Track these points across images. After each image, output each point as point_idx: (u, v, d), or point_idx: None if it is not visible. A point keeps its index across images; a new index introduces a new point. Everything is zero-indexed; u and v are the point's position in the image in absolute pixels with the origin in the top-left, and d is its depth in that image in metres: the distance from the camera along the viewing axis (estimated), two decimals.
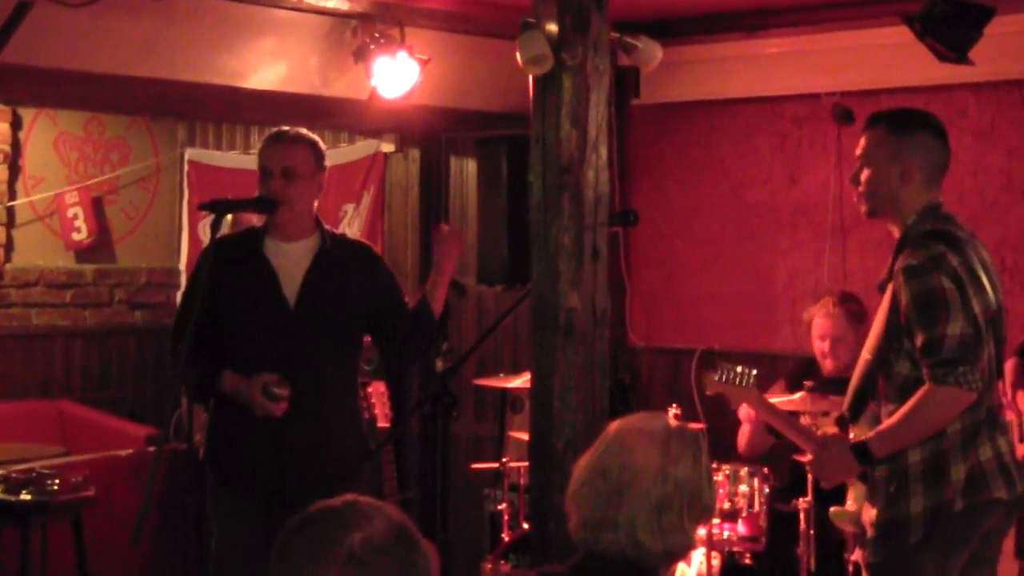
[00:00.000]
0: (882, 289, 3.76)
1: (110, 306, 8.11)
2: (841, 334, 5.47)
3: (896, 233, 3.76)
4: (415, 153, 7.42)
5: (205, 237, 7.83)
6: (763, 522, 5.23)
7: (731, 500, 5.21)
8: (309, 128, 4.47)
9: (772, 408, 4.16)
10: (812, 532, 5.02)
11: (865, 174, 3.79)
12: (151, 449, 6.26)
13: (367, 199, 7.49)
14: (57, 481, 5.26)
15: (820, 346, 5.56)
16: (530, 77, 4.11)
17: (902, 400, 3.62)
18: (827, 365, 5.52)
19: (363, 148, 7.56)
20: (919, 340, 3.56)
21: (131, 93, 6.38)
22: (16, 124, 7.72)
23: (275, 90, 5.81)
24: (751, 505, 5.22)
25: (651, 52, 4.39)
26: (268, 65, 5.70)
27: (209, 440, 4.44)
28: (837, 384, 4.69)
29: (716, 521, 5.15)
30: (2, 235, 7.66)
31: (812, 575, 5.09)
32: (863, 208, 3.83)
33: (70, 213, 7.86)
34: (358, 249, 4.57)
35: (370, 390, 5.89)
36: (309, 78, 5.81)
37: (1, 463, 5.57)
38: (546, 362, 4.10)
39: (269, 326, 4.30)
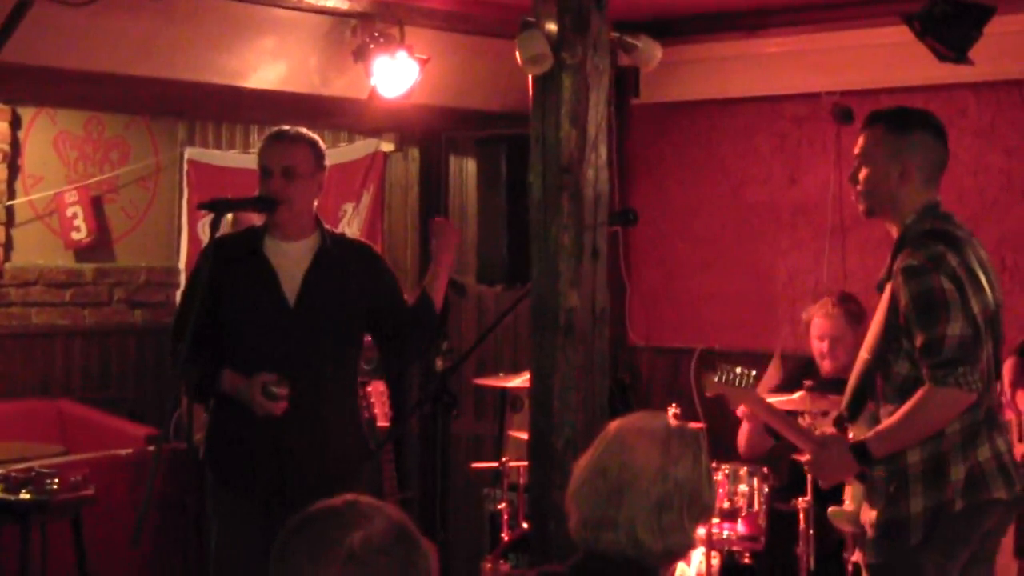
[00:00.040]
0: (880, 289, 3.75)
1: (109, 305, 8.10)
2: (840, 334, 5.47)
3: (894, 232, 3.76)
4: (415, 152, 7.42)
5: (205, 236, 7.82)
6: (762, 522, 5.23)
7: (731, 499, 5.21)
8: (309, 127, 4.48)
9: (771, 408, 4.16)
10: (811, 532, 5.02)
11: (864, 173, 3.79)
12: (151, 448, 6.25)
13: (367, 198, 7.49)
14: (57, 480, 5.26)
15: (819, 346, 5.55)
16: (530, 76, 4.11)
17: (901, 400, 3.62)
18: (825, 366, 5.52)
19: (363, 147, 7.56)
20: (919, 341, 3.56)
21: (131, 92, 6.39)
22: (15, 123, 7.71)
23: (275, 89, 5.81)
24: (751, 505, 5.22)
25: (651, 52, 4.38)
26: (268, 64, 5.70)
27: (209, 440, 4.44)
28: (836, 385, 4.69)
29: (716, 520, 5.15)
30: (1, 234, 7.66)
31: (811, 574, 5.09)
32: (861, 207, 3.83)
33: (69, 212, 7.86)
34: (358, 248, 4.57)
35: (370, 389, 5.89)
36: (309, 77, 5.81)
37: (1, 462, 5.57)
38: (546, 361, 4.10)
39: (269, 325, 4.30)
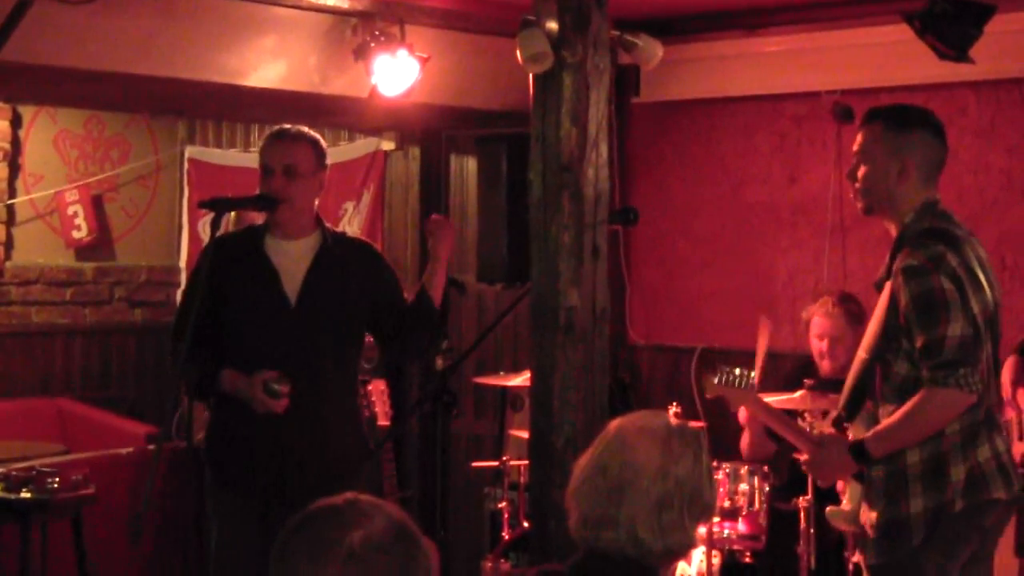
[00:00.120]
0: (879, 288, 3.74)
1: (110, 304, 8.11)
2: (840, 334, 5.47)
3: (893, 231, 3.75)
4: (415, 151, 7.42)
5: (205, 235, 7.83)
6: (763, 521, 5.23)
7: (731, 499, 5.21)
8: (309, 126, 4.47)
9: (769, 409, 4.15)
10: (812, 531, 5.02)
11: (862, 171, 3.77)
12: (151, 447, 6.25)
13: (367, 197, 7.49)
14: (57, 479, 5.26)
15: (818, 345, 5.55)
16: (530, 75, 4.11)
17: (900, 400, 3.61)
18: (825, 366, 5.51)
19: (363, 146, 7.56)
20: (919, 342, 3.55)
21: (131, 91, 6.39)
22: (16, 122, 7.72)
23: (275, 88, 5.81)
24: (751, 504, 5.22)
25: (651, 50, 4.38)
26: (268, 63, 5.70)
27: (209, 439, 4.43)
28: (836, 385, 4.69)
29: (716, 520, 5.15)
30: (2, 233, 7.66)
31: (812, 574, 5.09)
32: (860, 205, 3.82)
33: (70, 211, 7.86)
34: (359, 247, 4.57)
35: (370, 388, 5.89)
36: (309, 76, 5.81)
37: (1, 461, 5.57)
38: (546, 360, 4.09)
39: (270, 324, 4.30)
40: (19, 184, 7.72)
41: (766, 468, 5.30)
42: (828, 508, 4.04)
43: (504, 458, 5.78)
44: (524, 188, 4.17)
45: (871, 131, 3.78)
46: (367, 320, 4.46)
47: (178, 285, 8.21)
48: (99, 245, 8.01)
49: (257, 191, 4.37)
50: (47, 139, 7.84)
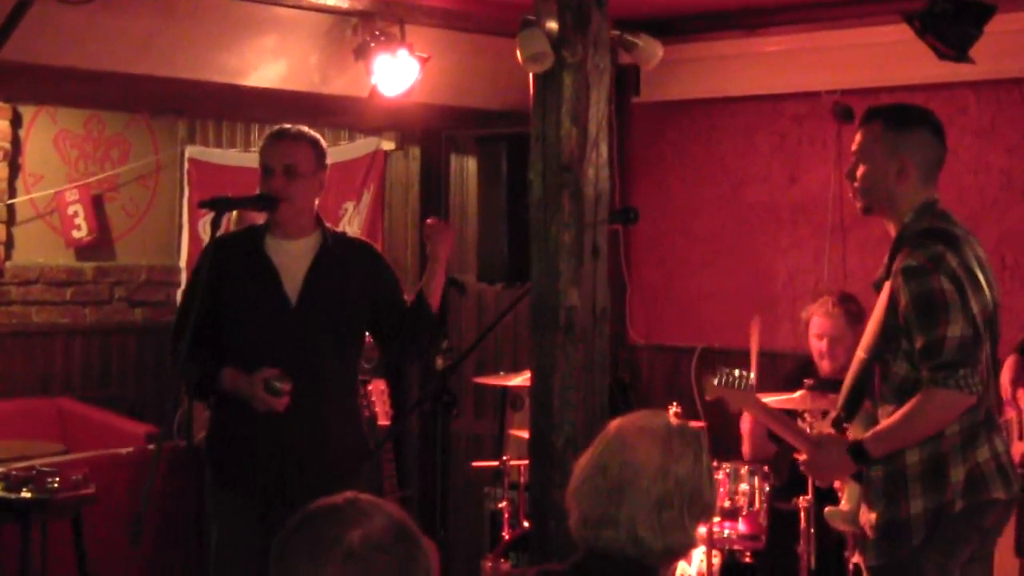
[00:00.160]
0: (878, 288, 3.74)
1: (110, 304, 8.11)
2: (839, 334, 5.46)
3: (892, 231, 3.75)
4: (415, 151, 7.42)
5: (205, 235, 7.83)
6: (763, 520, 5.23)
7: (731, 498, 5.21)
8: (309, 126, 4.47)
9: (769, 410, 4.15)
10: (812, 530, 5.02)
11: (861, 170, 3.77)
12: (151, 447, 6.25)
13: (367, 197, 7.49)
14: (57, 479, 5.26)
15: (817, 345, 5.55)
16: (530, 75, 4.10)
17: (899, 400, 3.60)
18: (824, 366, 5.51)
19: (363, 146, 7.56)
20: (918, 342, 3.54)
21: (131, 91, 6.39)
22: (16, 122, 7.72)
23: (275, 88, 5.81)
24: (751, 503, 5.22)
25: (651, 50, 4.38)
26: (268, 63, 5.70)
27: (209, 440, 4.43)
28: (835, 385, 4.68)
29: (716, 519, 5.15)
30: (2, 233, 7.66)
31: (812, 573, 5.09)
32: (859, 204, 3.81)
33: (70, 211, 7.86)
34: (359, 247, 4.57)
35: (370, 388, 5.89)
36: (309, 76, 5.81)
37: (1, 461, 5.57)
38: (546, 360, 4.09)
39: (270, 324, 4.30)
40: (19, 184, 7.72)
41: (766, 468, 5.30)
42: (826, 508, 4.04)
43: (504, 458, 5.78)
44: (524, 188, 4.17)
45: (870, 130, 3.77)
46: (367, 320, 4.46)
47: (178, 285, 8.21)
48: (99, 245, 8.01)
49: (257, 191, 4.37)
50: (47, 139, 7.84)
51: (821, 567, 5.10)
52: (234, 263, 4.31)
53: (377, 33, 5.53)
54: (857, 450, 3.65)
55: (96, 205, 7.95)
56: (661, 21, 5.99)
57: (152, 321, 8.17)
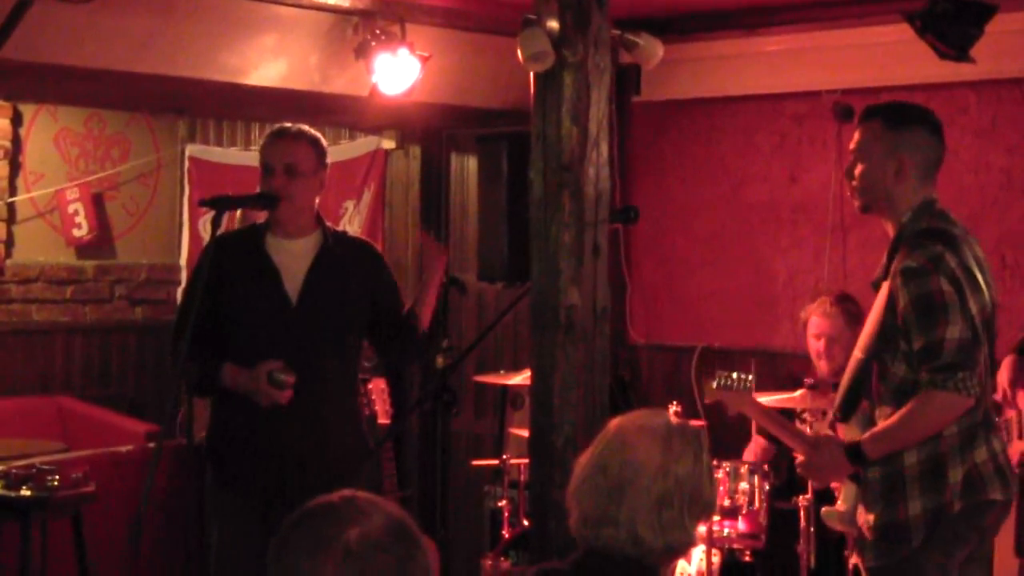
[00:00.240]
0: (876, 287, 3.73)
1: (110, 302, 8.11)
2: (837, 334, 5.45)
3: (890, 230, 3.73)
4: (416, 150, 7.42)
5: (206, 234, 7.83)
6: (763, 519, 5.23)
7: (731, 497, 5.21)
8: (310, 125, 4.47)
9: (766, 411, 4.15)
10: (812, 529, 5.03)
11: (859, 169, 3.75)
12: (151, 445, 6.25)
13: (368, 196, 7.49)
14: (57, 477, 5.25)
15: (815, 345, 5.54)
16: (531, 74, 4.11)
17: (898, 401, 3.59)
18: (822, 367, 5.50)
19: (364, 145, 7.56)
20: (917, 344, 3.53)
21: (132, 89, 6.39)
22: (17, 120, 7.72)
23: (276, 87, 5.81)
24: (751, 502, 5.22)
25: (652, 49, 4.38)
26: (269, 62, 5.70)
27: (210, 439, 4.43)
28: (835, 385, 4.68)
29: (716, 518, 5.15)
30: (3, 231, 7.67)
31: (812, 573, 5.09)
32: (857, 203, 3.80)
33: (71, 209, 7.86)
34: (360, 247, 4.57)
35: (370, 387, 5.89)
36: (310, 75, 5.81)
37: (1, 459, 5.56)
38: (546, 359, 4.09)
39: (271, 323, 4.30)
40: (20, 182, 7.72)
41: (766, 467, 5.30)
42: (823, 509, 4.04)
43: (504, 456, 5.78)
44: (525, 187, 4.17)
45: (869, 129, 3.76)
46: (368, 320, 4.46)
47: (179, 283, 8.22)
48: (100, 243, 8.01)
49: (258, 189, 4.37)
50: (48, 137, 7.85)
51: (821, 566, 5.11)
52: (235, 262, 4.31)
53: (378, 32, 5.53)
54: (854, 452, 3.64)
55: (96, 203, 7.96)
56: (661, 20, 5.99)
57: (152, 320, 8.18)
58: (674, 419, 2.80)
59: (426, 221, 7.31)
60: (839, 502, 3.96)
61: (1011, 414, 5.05)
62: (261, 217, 4.57)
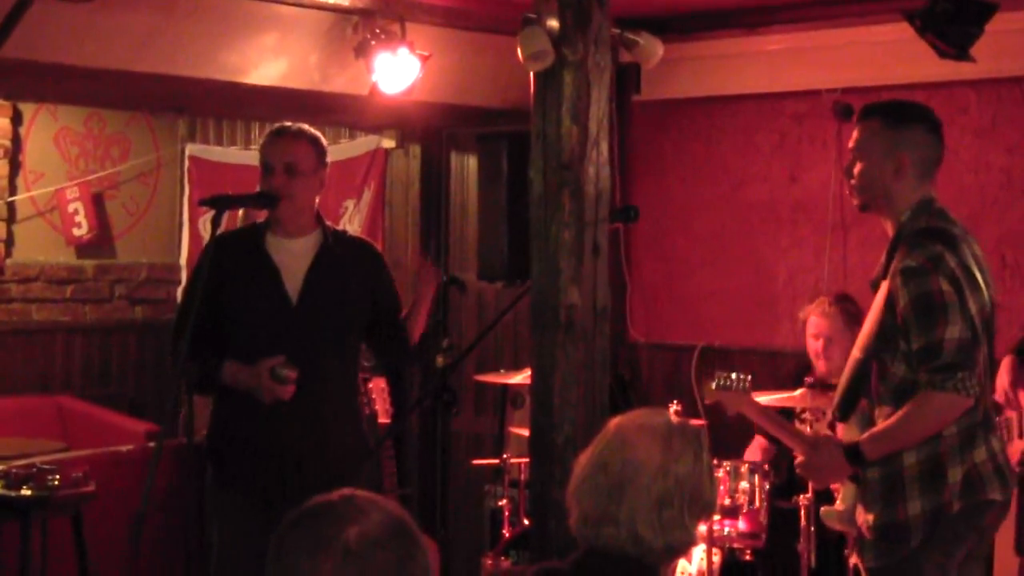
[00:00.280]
0: (875, 287, 3.72)
1: (110, 302, 8.11)
2: (835, 335, 5.44)
3: (889, 229, 3.73)
4: (416, 149, 7.42)
5: (206, 233, 7.83)
6: (764, 519, 5.22)
7: (732, 496, 5.21)
8: (310, 124, 4.48)
9: (765, 411, 4.14)
10: (812, 529, 5.02)
11: (858, 167, 3.75)
12: (151, 445, 6.25)
13: (368, 195, 7.49)
14: (57, 476, 5.25)
15: (813, 345, 5.54)
16: (531, 73, 4.10)
17: (896, 402, 3.59)
18: (820, 367, 5.49)
19: (364, 144, 7.56)
20: (917, 344, 3.52)
21: (132, 88, 6.39)
22: (17, 119, 7.72)
23: (276, 86, 5.81)
24: (752, 502, 5.21)
25: (652, 48, 4.38)
26: (269, 61, 5.70)
27: (210, 438, 4.43)
28: (832, 387, 4.68)
29: (717, 518, 5.15)
30: (2, 230, 7.67)
31: (812, 572, 5.09)
32: (856, 201, 3.80)
33: (71, 208, 7.86)
34: (360, 246, 4.57)
35: (371, 386, 5.89)
36: (310, 74, 5.81)
37: (1, 458, 5.57)
38: (546, 358, 4.09)
39: (271, 323, 4.30)
40: (20, 181, 7.73)
41: (766, 466, 5.30)
42: (822, 508, 4.04)
43: (504, 456, 5.78)
44: (525, 186, 4.17)
45: (868, 127, 3.76)
46: (368, 319, 4.46)
47: (179, 283, 8.22)
48: (100, 243, 8.01)
49: (258, 189, 4.37)
50: (48, 136, 7.85)
51: (821, 565, 5.10)
52: (235, 261, 4.31)
53: (378, 31, 5.53)
54: (853, 452, 3.64)
55: (96, 203, 7.96)
56: (662, 19, 5.99)
57: (152, 319, 8.18)
58: (674, 418, 2.80)
59: (426, 221, 7.31)
60: (838, 501, 3.96)
61: (1011, 413, 5.05)
62: (262, 216, 4.58)
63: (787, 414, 4.95)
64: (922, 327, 3.51)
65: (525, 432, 5.12)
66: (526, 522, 5.35)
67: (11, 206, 7.68)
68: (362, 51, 5.54)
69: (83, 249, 7.97)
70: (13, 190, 7.69)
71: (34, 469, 5.30)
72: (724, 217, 6.52)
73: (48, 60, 5.17)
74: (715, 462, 4.63)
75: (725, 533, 5.22)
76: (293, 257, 4.35)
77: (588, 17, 4.02)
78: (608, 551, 2.68)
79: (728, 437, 5.67)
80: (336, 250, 4.39)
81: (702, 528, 4.85)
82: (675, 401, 5.47)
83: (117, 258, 8.14)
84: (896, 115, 3.75)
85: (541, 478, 4.12)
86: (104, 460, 5.85)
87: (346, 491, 2.13)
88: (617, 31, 4.26)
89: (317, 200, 4.42)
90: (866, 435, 3.63)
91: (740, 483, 5.22)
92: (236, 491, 4.35)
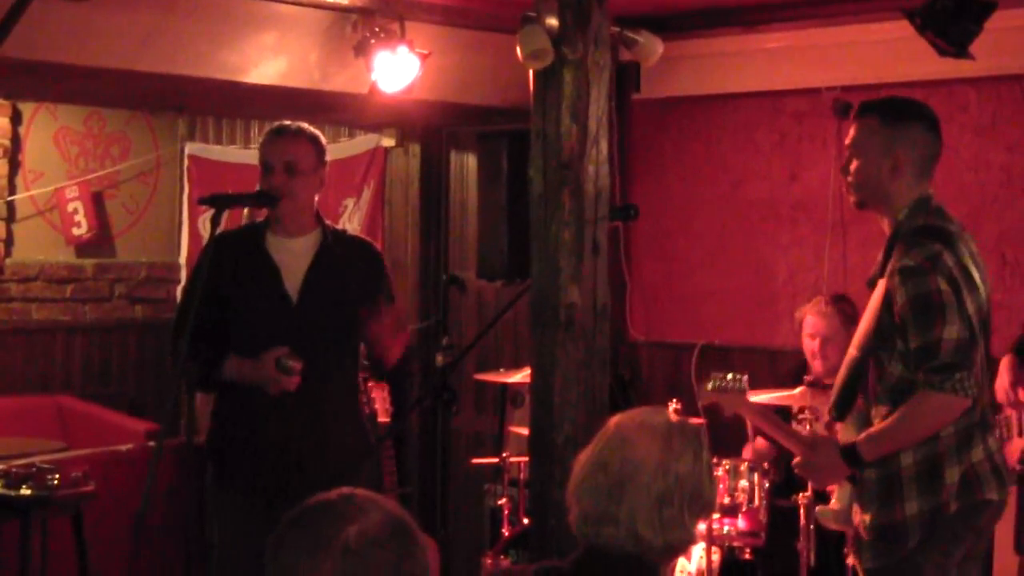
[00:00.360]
0: (872, 285, 3.71)
1: (110, 301, 8.11)
2: (832, 334, 5.44)
3: (887, 227, 3.71)
4: (415, 148, 7.42)
5: (205, 232, 7.83)
6: (763, 517, 5.22)
7: (731, 495, 5.21)
8: (309, 123, 4.47)
9: (762, 412, 4.14)
10: (812, 527, 5.02)
11: (855, 165, 3.73)
12: (151, 444, 6.25)
13: (367, 194, 7.49)
14: (57, 476, 5.25)
15: (810, 345, 5.53)
16: (530, 71, 4.10)
17: (894, 401, 3.57)
18: (816, 367, 5.48)
19: (363, 143, 7.56)
20: (914, 344, 3.51)
21: (131, 87, 6.38)
22: (16, 119, 7.72)
23: (275, 85, 5.81)
24: (751, 500, 5.21)
25: (652, 47, 4.37)
26: (268, 60, 5.70)
27: (210, 438, 4.43)
28: (829, 388, 4.67)
29: (716, 516, 5.15)
30: (2, 230, 7.67)
31: (812, 570, 5.09)
32: (852, 199, 3.78)
33: (70, 208, 7.86)
34: (360, 245, 4.57)
35: (371, 385, 5.88)
36: (309, 73, 5.81)
37: (1, 458, 5.56)
38: (546, 357, 4.09)
39: (271, 322, 4.30)
40: (19, 181, 7.73)
41: (766, 465, 5.29)
42: (817, 508, 4.04)
43: (504, 455, 5.78)
44: (524, 185, 4.17)
45: (865, 125, 3.73)
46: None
47: (178, 282, 8.22)
48: (99, 242, 8.01)
49: (257, 188, 4.37)
50: (47, 136, 7.85)
51: (821, 564, 5.10)
52: (235, 260, 4.31)
53: (377, 30, 5.53)
54: (850, 453, 3.63)
55: (96, 202, 7.96)
56: (661, 18, 5.98)
57: (152, 318, 8.18)
58: (674, 417, 2.79)
59: (426, 220, 7.31)
60: (833, 501, 3.95)
61: (1010, 412, 5.05)
62: (262, 215, 4.58)
63: (783, 414, 4.94)
64: (920, 327, 3.50)
65: (525, 431, 5.12)
66: (526, 521, 5.34)
67: (11, 205, 7.68)
68: (362, 50, 5.54)
69: (83, 248, 7.97)
70: (13, 189, 7.69)
71: (34, 469, 5.30)
72: (724, 216, 6.52)
73: (48, 59, 5.16)
74: (715, 461, 4.64)
75: (724, 532, 5.22)
76: (293, 256, 4.35)
77: (587, 16, 4.02)
78: (608, 550, 2.68)
79: (727, 436, 5.67)
80: (336, 249, 4.39)
81: (701, 527, 4.86)
82: (675, 400, 5.47)
83: (117, 257, 8.14)
84: (894, 112, 3.73)
85: (541, 477, 4.12)
86: (104, 460, 5.85)
87: (345, 490, 2.13)
88: (617, 29, 4.26)
89: (317, 199, 4.42)
90: (863, 436, 3.62)
91: (739, 482, 5.22)
92: (236, 491, 4.35)
